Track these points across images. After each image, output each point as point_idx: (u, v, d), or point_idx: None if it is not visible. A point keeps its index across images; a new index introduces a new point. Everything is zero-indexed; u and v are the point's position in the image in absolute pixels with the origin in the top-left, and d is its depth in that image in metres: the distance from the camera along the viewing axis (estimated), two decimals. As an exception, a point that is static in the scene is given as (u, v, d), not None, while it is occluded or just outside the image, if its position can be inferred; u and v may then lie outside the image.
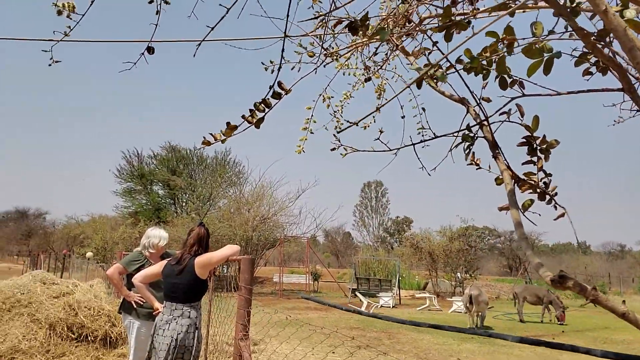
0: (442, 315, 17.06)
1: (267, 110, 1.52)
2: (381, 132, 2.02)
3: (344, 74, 2.45)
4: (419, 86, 1.60)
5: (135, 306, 4.80)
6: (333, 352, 7.45)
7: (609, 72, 1.36)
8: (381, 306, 18.15)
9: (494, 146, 1.43)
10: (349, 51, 2.25)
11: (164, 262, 4.11)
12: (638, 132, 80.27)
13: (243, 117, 1.51)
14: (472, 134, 1.48)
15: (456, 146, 1.61)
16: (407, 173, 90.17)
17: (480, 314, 13.38)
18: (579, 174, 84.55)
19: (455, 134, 1.64)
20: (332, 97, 2.47)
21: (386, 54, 2.33)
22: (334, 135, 2.03)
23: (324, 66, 2.08)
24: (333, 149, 2.06)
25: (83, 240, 24.42)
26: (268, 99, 1.50)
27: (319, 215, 33.77)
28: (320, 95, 2.37)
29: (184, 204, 27.75)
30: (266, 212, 20.17)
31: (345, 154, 2.10)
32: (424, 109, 1.95)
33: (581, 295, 0.93)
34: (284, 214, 20.82)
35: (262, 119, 1.53)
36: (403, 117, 2.61)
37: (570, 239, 74.71)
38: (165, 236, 5.03)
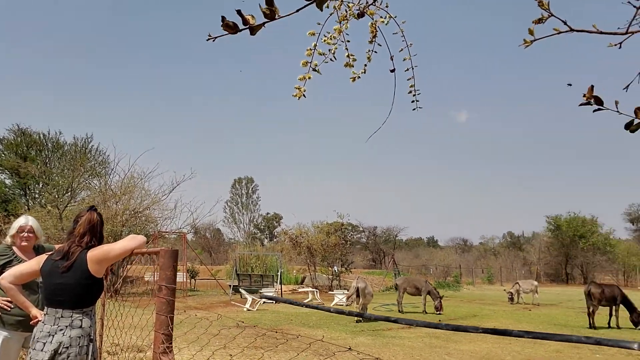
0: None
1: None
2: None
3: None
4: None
5: (-1, 312, 3.72)
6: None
7: None
8: (264, 302, 17.61)
9: None
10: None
11: (43, 257, 3.12)
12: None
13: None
14: None
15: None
16: (277, 170, 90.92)
17: (364, 306, 13.49)
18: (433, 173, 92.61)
19: None
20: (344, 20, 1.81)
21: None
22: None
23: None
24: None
25: None
26: None
27: (196, 210, 31.98)
28: (331, 14, 1.71)
29: (37, 195, 24.26)
30: (137, 206, 18.37)
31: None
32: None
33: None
34: (157, 208, 19.20)
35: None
36: (393, 70, 2.11)
37: (420, 234, 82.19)
38: (16, 225, 3.96)
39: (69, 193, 20.83)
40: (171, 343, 2.62)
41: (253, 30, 1.15)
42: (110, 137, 77.93)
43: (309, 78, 1.59)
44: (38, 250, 4.05)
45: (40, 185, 24.29)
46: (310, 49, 1.60)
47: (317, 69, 1.60)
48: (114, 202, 19.51)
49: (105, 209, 19.26)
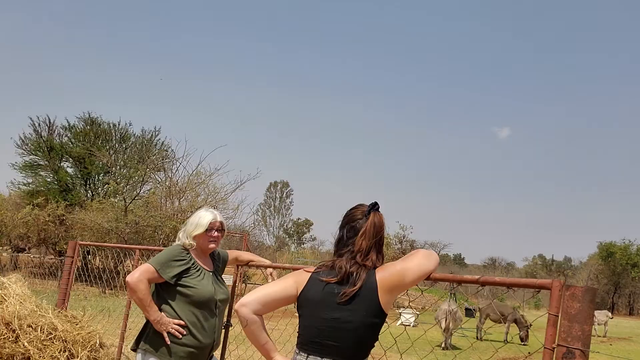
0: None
1: None
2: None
3: None
4: None
5: (168, 341, 2.74)
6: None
7: None
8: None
9: None
10: None
11: (302, 274, 2.09)
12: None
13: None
14: None
15: None
16: (313, 175, 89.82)
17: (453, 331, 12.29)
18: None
19: None
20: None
21: None
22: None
23: None
24: None
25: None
26: None
27: (257, 211, 31.12)
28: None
29: (99, 186, 23.75)
30: (204, 203, 17.58)
31: None
32: None
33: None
34: (222, 207, 18.39)
35: None
36: None
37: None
38: (205, 222, 2.95)
39: (140, 185, 20.39)
40: None
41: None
42: (182, 131, 76.98)
43: None
44: (213, 255, 3.12)
45: (101, 176, 23.85)
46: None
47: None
48: (177, 198, 18.88)
49: (170, 205, 18.62)
